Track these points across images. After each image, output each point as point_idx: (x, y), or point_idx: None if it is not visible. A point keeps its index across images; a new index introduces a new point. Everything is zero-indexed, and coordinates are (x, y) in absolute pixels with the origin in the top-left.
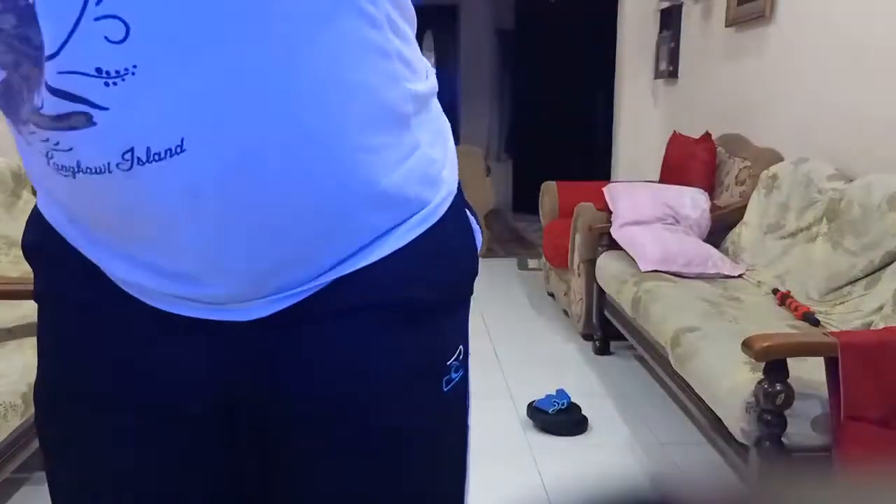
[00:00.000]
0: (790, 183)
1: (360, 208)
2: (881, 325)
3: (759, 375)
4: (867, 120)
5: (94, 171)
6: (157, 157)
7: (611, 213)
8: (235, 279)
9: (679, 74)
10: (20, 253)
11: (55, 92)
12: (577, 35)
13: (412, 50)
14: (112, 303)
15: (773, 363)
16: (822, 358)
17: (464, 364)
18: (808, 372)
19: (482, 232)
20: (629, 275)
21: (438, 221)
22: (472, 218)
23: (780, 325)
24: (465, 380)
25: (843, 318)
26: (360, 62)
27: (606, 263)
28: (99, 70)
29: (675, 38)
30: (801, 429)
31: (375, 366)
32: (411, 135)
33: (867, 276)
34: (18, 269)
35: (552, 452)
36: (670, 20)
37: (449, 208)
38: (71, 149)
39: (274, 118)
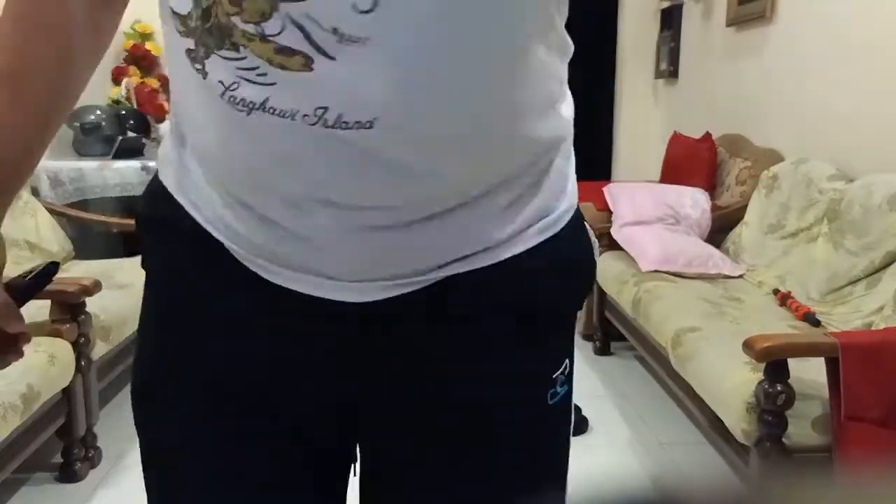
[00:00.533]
0: (791, 183)
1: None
2: (882, 326)
3: (760, 376)
4: (867, 120)
5: (277, 113)
6: (343, 126)
7: (611, 213)
8: (359, 253)
9: (679, 74)
10: (20, 253)
11: (298, 27)
12: (577, 35)
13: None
14: (231, 291)
15: (774, 363)
16: (822, 358)
17: (569, 379)
18: (808, 372)
19: (598, 249)
20: (629, 275)
21: (561, 230)
22: (591, 232)
23: (781, 325)
24: (569, 395)
25: (843, 318)
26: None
27: (607, 263)
28: (335, 30)
29: (676, 38)
30: (801, 429)
31: (491, 373)
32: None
33: (868, 276)
34: (18, 269)
35: None
36: (671, 20)
37: (571, 219)
38: (274, 83)
39: (461, 134)
